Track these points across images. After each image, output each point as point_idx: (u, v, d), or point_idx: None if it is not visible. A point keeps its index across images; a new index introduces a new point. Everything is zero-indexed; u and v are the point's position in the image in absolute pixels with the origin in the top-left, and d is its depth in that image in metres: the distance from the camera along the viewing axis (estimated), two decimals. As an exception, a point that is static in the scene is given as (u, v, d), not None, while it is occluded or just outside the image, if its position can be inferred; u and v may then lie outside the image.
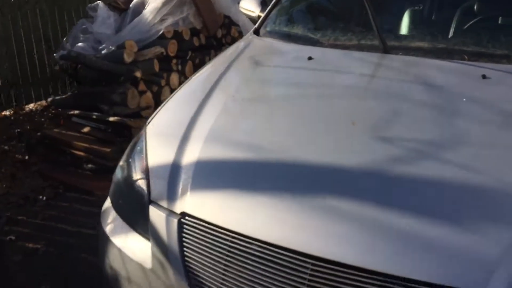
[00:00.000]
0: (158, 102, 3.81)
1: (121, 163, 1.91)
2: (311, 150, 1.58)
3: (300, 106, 1.87)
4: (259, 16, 2.77)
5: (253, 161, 1.59)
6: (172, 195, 1.57)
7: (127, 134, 3.57)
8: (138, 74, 3.53)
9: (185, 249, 1.48)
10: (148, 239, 1.60)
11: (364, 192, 1.38)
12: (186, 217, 1.51)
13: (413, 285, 1.19)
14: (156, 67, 3.76)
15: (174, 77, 3.96)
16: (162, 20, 3.86)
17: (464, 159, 1.47)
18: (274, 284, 1.32)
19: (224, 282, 1.40)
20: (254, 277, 1.35)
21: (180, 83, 4.07)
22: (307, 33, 2.48)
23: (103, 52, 3.76)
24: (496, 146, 1.52)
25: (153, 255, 1.55)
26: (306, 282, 1.28)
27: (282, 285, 1.31)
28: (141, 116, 3.62)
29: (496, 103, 1.75)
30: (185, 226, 1.50)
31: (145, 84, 3.73)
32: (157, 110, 2.06)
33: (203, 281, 1.44)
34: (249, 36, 2.72)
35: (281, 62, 2.34)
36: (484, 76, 1.83)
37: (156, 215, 1.57)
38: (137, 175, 1.75)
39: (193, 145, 1.71)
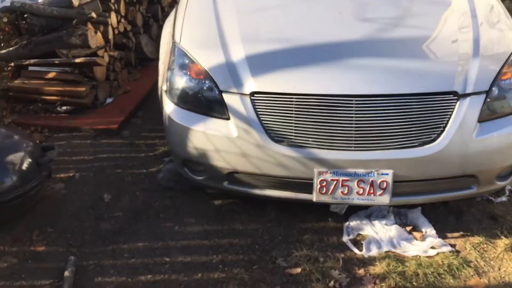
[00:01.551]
0: (107, 41, 4.11)
1: (169, 76, 2.44)
2: (325, 32, 2.40)
3: (297, 9, 2.62)
4: None
5: (290, 46, 2.33)
6: (238, 83, 2.24)
7: (88, 74, 3.88)
8: (93, 14, 3.79)
9: (261, 116, 2.18)
10: (225, 119, 2.25)
11: (371, 50, 2.26)
12: (255, 95, 2.19)
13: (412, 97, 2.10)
14: (100, 8, 4.02)
15: (113, 16, 4.24)
16: (92, -38, 4.06)
17: (416, 23, 2.46)
18: (332, 123, 2.11)
19: (297, 131, 2.15)
20: (318, 122, 2.13)
21: (118, 22, 4.37)
22: None
23: (45, -1, 3.89)
24: (429, 14, 2.50)
25: (237, 127, 2.21)
26: (353, 114, 2.09)
27: (338, 122, 2.10)
28: (98, 55, 3.92)
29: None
30: (256, 101, 2.19)
31: (92, 25, 3.98)
32: (175, 31, 2.59)
33: (281, 134, 2.17)
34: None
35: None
36: None
37: (231, 100, 2.23)
38: (196, 78, 2.34)
39: (234, 47, 2.36)
